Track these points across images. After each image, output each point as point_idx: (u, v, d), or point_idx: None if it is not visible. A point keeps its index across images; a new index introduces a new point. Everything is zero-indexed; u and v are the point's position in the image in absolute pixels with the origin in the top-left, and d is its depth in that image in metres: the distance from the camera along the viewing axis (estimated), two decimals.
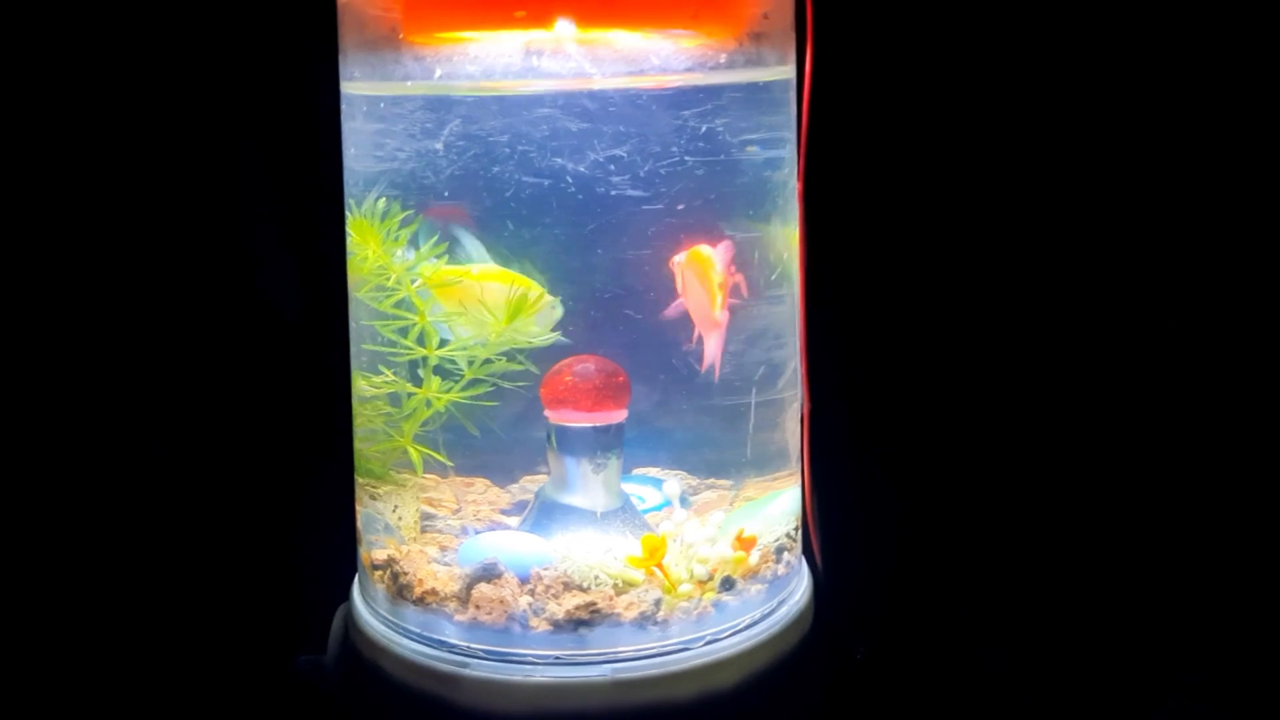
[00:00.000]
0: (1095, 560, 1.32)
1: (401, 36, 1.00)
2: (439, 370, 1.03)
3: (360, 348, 1.08)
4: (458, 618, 1.00)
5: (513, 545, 1.02)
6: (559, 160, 0.98)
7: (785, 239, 1.08)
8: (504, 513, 1.09)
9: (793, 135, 1.08)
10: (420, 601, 1.01)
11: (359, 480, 1.10)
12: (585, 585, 0.99)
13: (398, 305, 1.03)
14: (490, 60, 0.98)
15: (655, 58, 0.98)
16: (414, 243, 1.02)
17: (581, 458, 1.05)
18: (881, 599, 1.28)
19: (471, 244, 1.01)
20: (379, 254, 1.03)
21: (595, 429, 1.04)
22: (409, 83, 1.00)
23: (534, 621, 0.98)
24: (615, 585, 1.00)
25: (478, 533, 1.05)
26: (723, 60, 1.01)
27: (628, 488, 1.08)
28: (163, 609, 1.28)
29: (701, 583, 1.02)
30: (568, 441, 1.05)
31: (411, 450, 1.04)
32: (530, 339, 1.02)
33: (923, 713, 1.19)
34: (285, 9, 1.26)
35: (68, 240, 1.32)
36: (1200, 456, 1.34)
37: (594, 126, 0.98)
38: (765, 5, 1.03)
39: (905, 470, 1.37)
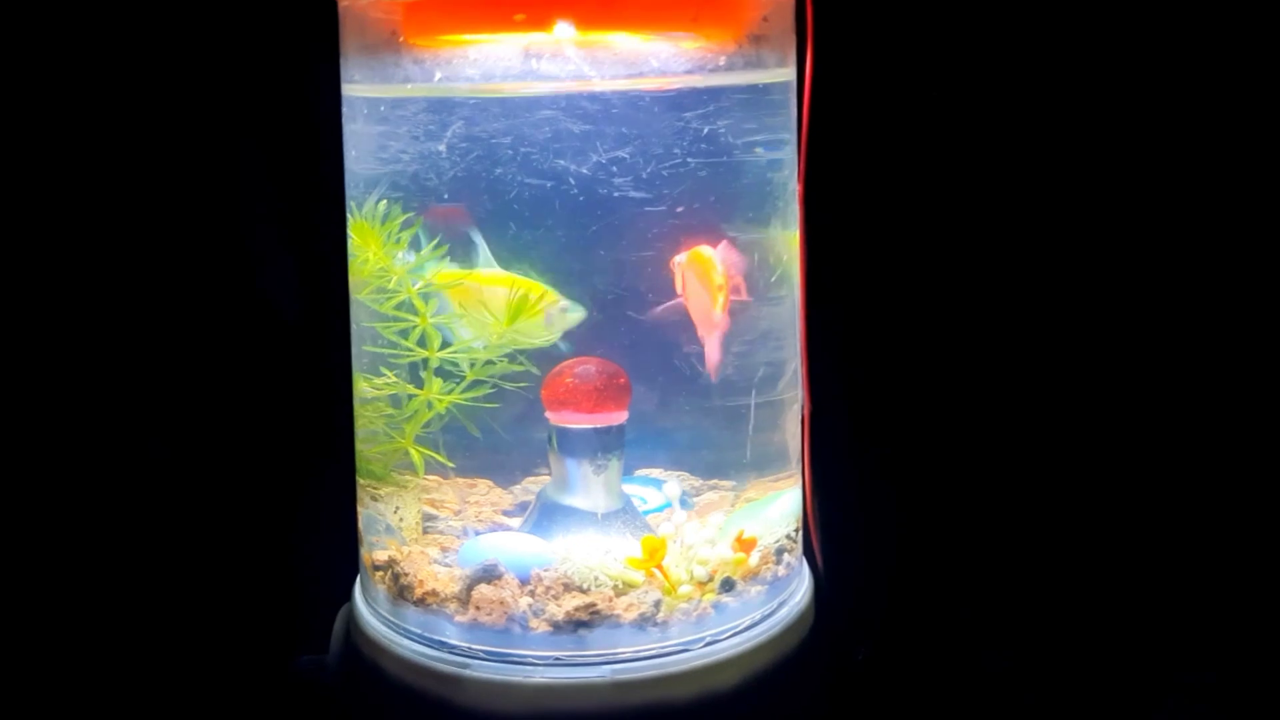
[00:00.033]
0: (1095, 560, 1.32)
1: (402, 40, 1.00)
2: (440, 372, 1.03)
3: (361, 349, 1.08)
4: (458, 619, 1.00)
5: (513, 546, 1.02)
6: (561, 162, 0.98)
7: (785, 241, 1.08)
8: (506, 514, 1.09)
9: (793, 137, 1.08)
10: (421, 602, 1.01)
11: (360, 481, 1.10)
12: (585, 586, 0.99)
13: (398, 307, 1.03)
14: (490, 63, 0.98)
15: (655, 60, 0.98)
16: (415, 245, 1.02)
17: (582, 459, 1.05)
18: (882, 599, 1.28)
19: (483, 246, 1.02)
20: (380, 256, 1.03)
21: (596, 430, 1.04)
22: (409, 85, 1.00)
23: (534, 622, 0.98)
24: (615, 586, 1.00)
25: (478, 534, 1.05)
26: (722, 63, 1.01)
27: (629, 489, 1.08)
28: (165, 609, 1.28)
29: (701, 584, 1.02)
30: (568, 443, 1.05)
31: (413, 452, 1.04)
32: (532, 340, 1.02)
33: (923, 713, 1.19)
34: (285, 9, 1.26)
35: (69, 240, 1.32)
36: (1200, 457, 1.34)
37: (594, 129, 0.98)
38: (765, 8, 1.03)
39: (905, 470, 1.37)
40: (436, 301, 1.03)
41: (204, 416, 1.36)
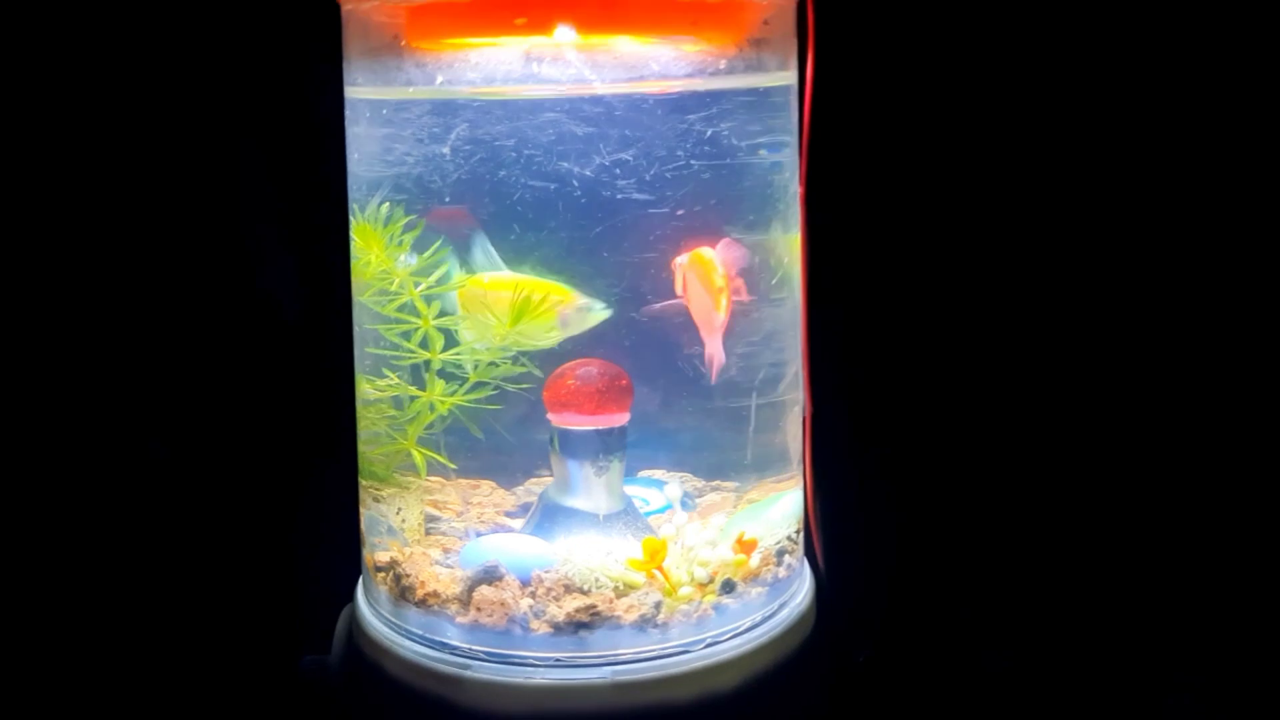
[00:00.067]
0: (1095, 560, 1.32)
1: (404, 43, 1.00)
2: (443, 373, 1.04)
3: (364, 351, 1.08)
4: (459, 620, 1.00)
5: (514, 548, 1.03)
6: (564, 164, 0.99)
7: (786, 243, 1.09)
8: (509, 515, 1.09)
9: (794, 140, 1.08)
10: (422, 603, 1.02)
11: (363, 483, 1.10)
12: (586, 588, 1.00)
13: (401, 309, 1.04)
14: (492, 67, 0.98)
15: (655, 64, 0.98)
16: (417, 247, 1.03)
17: (584, 461, 1.05)
18: (882, 600, 1.28)
19: (483, 250, 1.02)
20: (382, 258, 1.03)
21: (598, 432, 1.05)
22: (411, 88, 1.01)
23: (535, 624, 0.99)
24: (616, 588, 1.00)
25: (480, 535, 1.06)
26: (723, 66, 1.01)
27: (631, 490, 1.09)
28: (168, 609, 1.29)
29: (702, 585, 1.02)
30: (570, 444, 1.05)
31: (415, 453, 1.05)
32: (536, 342, 1.03)
33: (923, 713, 1.19)
34: (286, 10, 1.26)
35: (70, 240, 1.32)
36: (1200, 457, 1.34)
37: (597, 131, 0.98)
38: (765, 12, 1.03)
39: (905, 470, 1.37)
40: (439, 303, 1.03)
41: (206, 417, 1.36)
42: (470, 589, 1.00)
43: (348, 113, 1.07)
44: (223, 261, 1.35)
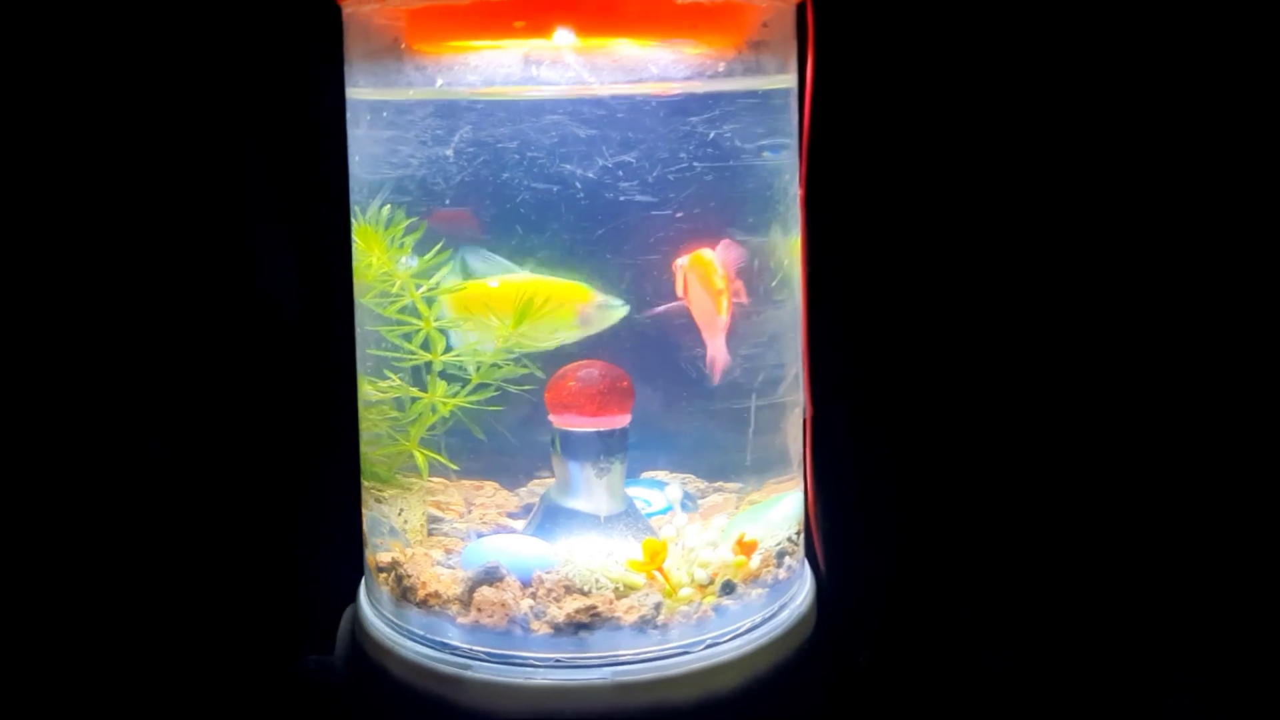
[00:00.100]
0: (1095, 560, 1.32)
1: (405, 46, 1.00)
2: (445, 375, 1.04)
3: (365, 352, 1.08)
4: (460, 620, 1.00)
5: (515, 549, 1.03)
6: (567, 166, 0.99)
7: (787, 244, 1.09)
8: (511, 516, 1.09)
9: (794, 142, 1.09)
10: (424, 604, 1.02)
11: (365, 484, 1.10)
12: (586, 589, 1.00)
13: (402, 311, 1.04)
14: (492, 70, 0.98)
15: (654, 66, 0.99)
16: (419, 249, 1.03)
17: (585, 462, 1.05)
18: (882, 600, 1.28)
19: (483, 259, 1.02)
20: (383, 260, 1.04)
21: (599, 434, 1.05)
22: (412, 90, 1.01)
23: (535, 624, 0.99)
24: (616, 589, 1.00)
25: (481, 536, 1.06)
26: (722, 69, 1.01)
27: (632, 491, 1.09)
28: (171, 610, 1.29)
29: (702, 587, 1.02)
30: (571, 446, 1.05)
31: (417, 455, 1.05)
32: (539, 343, 1.03)
33: (923, 713, 1.19)
34: (286, 12, 1.26)
35: (70, 240, 1.32)
36: (1200, 457, 1.34)
37: (598, 133, 0.98)
38: (765, 14, 1.03)
39: (905, 471, 1.38)
40: (440, 305, 1.04)
41: (207, 418, 1.37)
42: (471, 590, 1.01)
43: (349, 115, 1.07)
44: (224, 262, 1.35)
